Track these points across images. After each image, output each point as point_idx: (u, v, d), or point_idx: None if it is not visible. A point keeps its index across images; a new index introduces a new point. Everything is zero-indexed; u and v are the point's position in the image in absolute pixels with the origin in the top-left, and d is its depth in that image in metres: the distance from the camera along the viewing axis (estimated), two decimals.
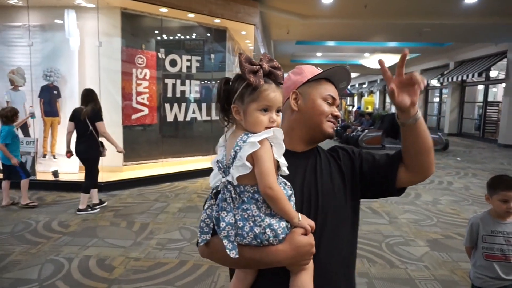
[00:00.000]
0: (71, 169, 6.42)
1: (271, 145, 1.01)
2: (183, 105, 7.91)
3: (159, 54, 7.42)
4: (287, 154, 1.13)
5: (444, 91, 18.71)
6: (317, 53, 18.51)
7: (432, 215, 5.16)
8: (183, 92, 7.90)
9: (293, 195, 1.06)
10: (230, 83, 1.05)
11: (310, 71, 1.26)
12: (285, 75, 1.23)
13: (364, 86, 30.95)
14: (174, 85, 7.73)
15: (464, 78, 14.83)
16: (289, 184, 1.07)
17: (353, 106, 24.38)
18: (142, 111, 7.25)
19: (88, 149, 4.91)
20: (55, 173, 6.20)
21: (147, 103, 7.30)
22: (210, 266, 3.45)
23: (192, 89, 8.07)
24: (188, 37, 8.56)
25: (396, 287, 3.14)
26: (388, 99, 27.54)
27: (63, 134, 6.69)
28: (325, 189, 1.15)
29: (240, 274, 1.10)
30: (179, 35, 8.38)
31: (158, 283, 3.15)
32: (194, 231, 4.35)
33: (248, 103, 1.01)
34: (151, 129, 7.75)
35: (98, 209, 5.06)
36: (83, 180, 5.06)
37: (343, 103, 22.14)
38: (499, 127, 14.11)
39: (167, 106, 7.68)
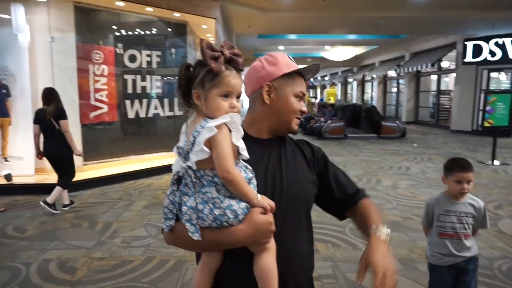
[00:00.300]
0: (25, 172, 6.11)
1: (230, 130, 1.02)
2: (145, 101, 7.73)
3: (117, 50, 7.19)
4: (254, 141, 1.17)
5: (401, 81, 19.50)
6: (280, 46, 18.65)
7: (392, 199, 5.40)
8: (144, 88, 7.71)
9: (254, 179, 1.08)
10: (191, 68, 1.05)
11: (285, 63, 1.24)
12: (259, 62, 1.25)
13: (326, 78, 31.64)
14: (134, 81, 7.53)
15: (419, 68, 15.55)
16: (250, 168, 1.09)
17: (316, 98, 24.84)
18: (101, 108, 7.01)
19: (59, 148, 4.79)
20: (8, 177, 5.87)
21: (106, 100, 7.06)
22: (178, 260, 3.43)
23: (153, 85, 7.90)
24: (147, 32, 8.35)
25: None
26: (349, 90, 28.36)
27: (15, 136, 6.33)
28: (290, 176, 1.18)
29: (205, 258, 1.12)
30: (138, 30, 8.15)
31: (124, 281, 3.09)
32: (160, 227, 4.28)
33: (209, 89, 1.02)
34: (112, 127, 7.51)
35: (59, 211, 4.88)
36: (56, 182, 4.91)
37: (306, 95, 22.56)
38: (451, 114, 14.94)
39: (127, 102, 7.47)
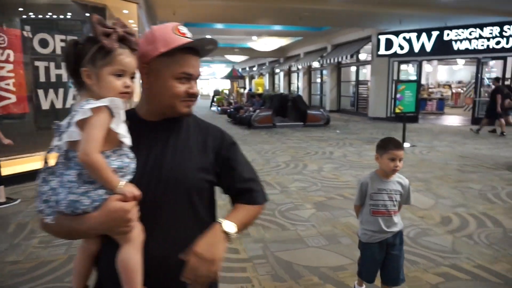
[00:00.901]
0: None
1: (113, 115, 0.97)
2: (61, 90, 7.10)
3: (24, 33, 6.48)
4: (143, 124, 1.13)
5: (324, 72, 20.57)
6: (207, 35, 18.43)
7: (317, 182, 5.73)
8: (59, 77, 7.07)
9: (131, 166, 1.03)
10: (80, 45, 0.99)
11: (164, 39, 1.09)
12: (140, 38, 1.17)
13: (254, 69, 32.09)
14: (47, 69, 6.85)
15: (340, 60, 16.53)
16: (131, 155, 1.05)
17: (244, 88, 25.11)
18: (9, 98, 6.30)
19: None
20: None
21: (13, 89, 6.35)
22: None
23: None
24: (61, 15, 7.64)
25: (288, 247, 3.44)
26: (277, 81, 29.13)
27: None
28: (172, 161, 1.12)
29: (83, 243, 1.08)
30: (50, 12, 7.42)
31: (44, 282, 2.87)
32: None
33: (101, 67, 0.98)
34: (24, 120, 6.80)
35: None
36: None
37: (234, 86, 22.65)
38: (368, 103, 16.20)
39: (40, 92, 6.80)
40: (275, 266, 3.07)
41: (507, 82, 12.74)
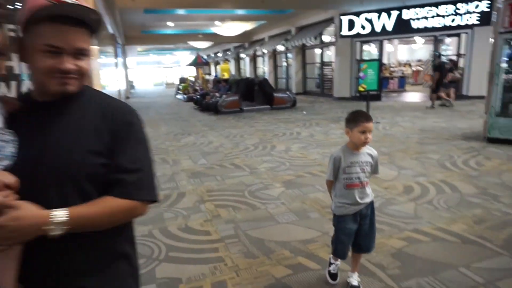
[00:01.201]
0: None
1: None
2: (13, 84, 6.71)
3: None
4: (33, 105, 1.05)
5: (289, 55, 20.62)
6: (168, 22, 17.90)
7: (285, 161, 5.80)
8: (10, 69, 6.68)
9: (6, 150, 0.96)
10: None
11: (31, 4, 0.95)
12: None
13: (219, 55, 31.70)
14: None
15: (304, 42, 16.63)
16: (9, 137, 0.98)
17: (210, 74, 24.79)
18: None
19: None
20: None
21: None
22: None
23: (24, 64, 6.88)
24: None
25: (259, 225, 3.49)
26: (242, 66, 28.94)
27: None
28: (62, 144, 1.00)
29: None
30: None
31: None
32: None
33: None
34: None
35: None
36: None
37: (200, 72, 22.30)
38: (333, 83, 16.47)
39: None
40: (247, 244, 3.11)
41: (462, 58, 13.35)
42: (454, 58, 13.34)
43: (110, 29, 13.96)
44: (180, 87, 21.66)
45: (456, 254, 2.81)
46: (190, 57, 30.97)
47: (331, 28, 15.66)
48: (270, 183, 4.76)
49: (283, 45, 18.92)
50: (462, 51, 13.36)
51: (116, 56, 16.62)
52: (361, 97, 13.91)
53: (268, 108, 13.00)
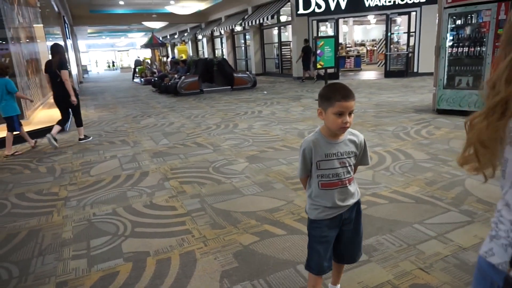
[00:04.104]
0: None
1: None
2: None
3: None
4: None
5: (247, 35, 20.46)
6: (120, 1, 17.04)
7: (248, 138, 5.84)
8: None
9: None
10: None
11: None
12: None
13: (176, 36, 30.77)
14: None
15: (261, 21, 16.53)
16: None
17: (167, 56, 24.06)
18: None
19: (64, 93, 5.91)
20: None
21: None
22: (30, 230, 3.05)
23: None
24: None
25: (225, 198, 3.52)
26: (200, 47, 28.34)
27: None
28: None
29: None
30: None
31: None
32: None
33: None
34: None
35: (91, 138, 6.37)
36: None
37: (156, 54, 21.57)
38: (292, 63, 16.61)
39: None
40: (213, 216, 3.14)
41: (412, 37, 13.91)
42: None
43: (55, 6, 13.06)
44: (137, 70, 20.88)
45: (411, 213, 3.01)
46: (145, 39, 29.79)
47: (287, 8, 15.67)
48: (234, 159, 4.79)
49: (241, 24, 18.70)
50: (412, 29, 13.91)
51: (64, 38, 15.61)
52: (319, 76, 14.20)
53: (228, 89, 12.91)
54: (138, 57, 23.75)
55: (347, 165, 1.69)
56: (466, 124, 0.78)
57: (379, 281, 2.16)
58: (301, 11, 14.72)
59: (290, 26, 16.58)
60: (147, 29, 26.68)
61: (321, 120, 1.66)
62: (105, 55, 41.94)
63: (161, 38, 26.88)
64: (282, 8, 15.56)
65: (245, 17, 18.26)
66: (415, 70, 13.93)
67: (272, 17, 15.70)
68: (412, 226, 2.79)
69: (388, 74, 14.13)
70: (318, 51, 8.98)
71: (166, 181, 4.07)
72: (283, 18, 17.16)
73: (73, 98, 5.96)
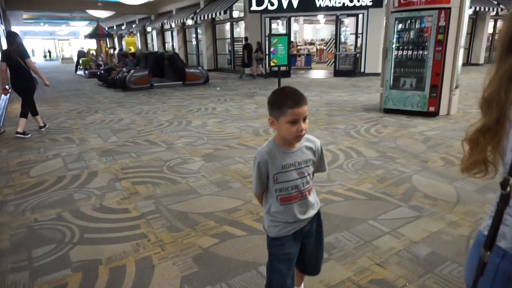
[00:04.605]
0: None
1: None
2: None
3: None
4: None
5: (199, 30, 20.08)
6: None
7: (203, 136, 5.72)
8: None
9: None
10: None
11: None
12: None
13: (123, 27, 29.39)
14: None
15: (213, 16, 16.30)
16: None
17: (114, 48, 22.91)
18: None
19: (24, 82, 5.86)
20: None
21: None
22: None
23: None
24: None
25: (181, 199, 3.40)
26: (149, 40, 27.35)
27: None
28: None
29: None
30: None
31: None
32: None
33: None
34: None
35: (30, 135, 5.93)
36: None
37: (102, 46, 20.45)
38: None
39: None
40: (170, 218, 3.02)
41: (359, 37, 14.50)
42: (261, 42, 15.44)
43: None
44: (80, 62, 19.64)
45: (365, 209, 3.12)
46: (90, 28, 28.11)
47: (240, 4, 15.60)
48: (189, 157, 4.66)
49: (192, 18, 18.30)
50: (360, 30, 14.50)
51: None
52: (271, 73, 14.33)
53: (180, 85, 12.59)
54: (82, 47, 22.30)
55: (306, 174, 1.59)
56: (466, 140, 0.83)
57: (340, 279, 2.21)
58: (254, 7, 14.73)
59: (243, 22, 16.52)
60: (91, 18, 25.17)
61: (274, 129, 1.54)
62: (43, 44, 38.95)
63: (106, 28, 25.50)
64: (235, 4, 15.45)
65: (197, 10, 17.91)
66: (362, 70, 14.57)
67: (225, 12, 15.56)
68: (367, 222, 2.89)
69: (337, 73, 14.63)
70: (272, 49, 9.03)
71: (117, 182, 3.85)
72: (235, 14, 17.06)
73: (47, 82, 6.24)
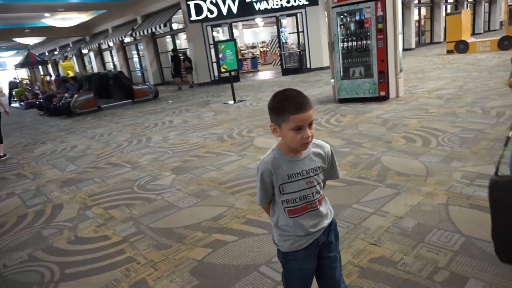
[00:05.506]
0: None
1: None
2: None
3: None
4: None
5: (140, 46, 19.54)
6: None
7: (167, 150, 5.56)
8: None
9: None
10: None
11: None
12: None
13: (56, 52, 27.84)
14: None
15: (153, 30, 15.96)
16: None
17: (50, 75, 21.62)
18: None
19: None
20: None
21: None
22: None
23: None
24: None
25: (161, 215, 3.27)
26: (87, 62, 26.17)
27: None
28: None
29: None
30: None
31: None
32: None
33: None
34: None
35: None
36: None
37: (36, 74, 19.22)
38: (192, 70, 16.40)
39: None
40: (154, 237, 2.88)
41: (301, 34, 14.93)
42: (186, 51, 16.37)
43: None
44: (14, 93, 18.29)
45: (346, 195, 3.20)
46: (19, 58, 26.31)
47: (179, 16, 15.42)
48: (158, 173, 4.50)
49: (131, 35, 17.78)
50: (300, 29, 14.94)
51: None
52: (221, 80, 14.31)
53: (129, 103, 12.16)
54: (15, 78, 20.77)
55: (315, 183, 1.43)
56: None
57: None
58: (194, 17, 14.62)
59: (183, 33, 16.34)
60: (19, 46, 23.60)
61: (277, 137, 1.37)
62: None
63: (37, 54, 24.02)
64: (174, 16, 15.25)
65: (135, 27, 17.43)
66: (308, 66, 15.00)
67: (165, 25, 15.30)
68: (351, 207, 2.96)
69: (284, 72, 14.95)
70: (220, 55, 9.01)
71: (88, 210, 3.62)
72: (175, 26, 16.84)
73: (7, 110, 6.76)
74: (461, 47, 13.87)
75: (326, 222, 1.49)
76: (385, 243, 2.40)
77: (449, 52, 14.25)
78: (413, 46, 19.62)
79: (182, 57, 15.04)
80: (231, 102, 9.40)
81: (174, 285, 2.24)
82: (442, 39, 20.86)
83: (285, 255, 1.50)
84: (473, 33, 22.28)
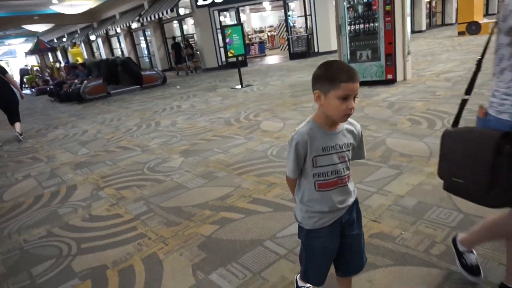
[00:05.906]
0: None
1: None
2: None
3: None
4: None
5: (147, 32, 19.55)
6: None
7: (176, 134, 5.68)
8: None
9: None
10: None
11: None
12: None
13: (64, 39, 27.98)
14: None
15: (160, 15, 15.94)
16: None
17: (60, 62, 21.83)
18: None
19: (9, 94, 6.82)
20: None
21: None
22: None
23: None
24: None
25: (170, 195, 3.40)
26: (95, 49, 26.29)
27: None
28: None
29: None
30: None
31: None
32: None
33: None
34: None
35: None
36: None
37: (46, 61, 19.42)
38: (199, 55, 16.42)
39: None
40: (164, 215, 3.02)
41: (309, 19, 14.79)
42: (191, 38, 16.88)
43: None
44: (25, 80, 18.56)
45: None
46: (28, 45, 26.53)
47: (186, 0, 15.35)
48: (167, 156, 4.63)
49: (138, 21, 17.78)
50: (308, 13, 14.78)
51: None
52: (228, 65, 14.32)
53: (138, 89, 12.30)
54: (26, 65, 21.03)
55: (346, 159, 1.43)
56: None
57: None
58: (201, 2, 14.57)
59: (191, 18, 16.30)
60: (28, 33, 23.77)
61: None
62: None
63: (46, 41, 24.19)
64: (181, 1, 15.18)
65: (142, 12, 17.41)
66: (316, 50, 14.90)
67: (172, 11, 15.26)
68: (355, 187, 3.04)
69: (292, 56, 14.88)
70: (227, 40, 9.02)
71: (100, 191, 3.77)
72: (182, 11, 16.77)
73: (22, 94, 7.42)
74: (473, 28, 13.61)
75: (351, 200, 1.49)
76: (385, 220, 2.49)
77: (460, 33, 14.01)
78: (424, 28, 19.28)
79: (185, 43, 15.56)
80: (239, 86, 9.44)
81: (183, 258, 2.37)
82: (453, 21, 20.46)
83: (308, 233, 1.51)
84: (486, 14, 21.75)
